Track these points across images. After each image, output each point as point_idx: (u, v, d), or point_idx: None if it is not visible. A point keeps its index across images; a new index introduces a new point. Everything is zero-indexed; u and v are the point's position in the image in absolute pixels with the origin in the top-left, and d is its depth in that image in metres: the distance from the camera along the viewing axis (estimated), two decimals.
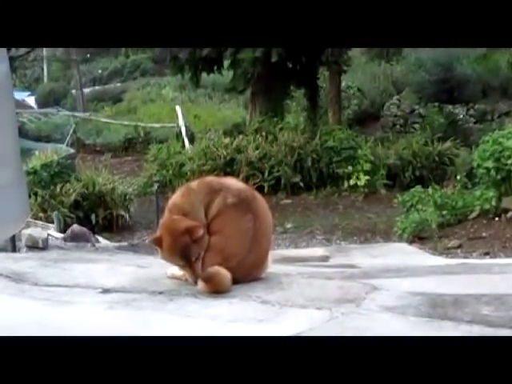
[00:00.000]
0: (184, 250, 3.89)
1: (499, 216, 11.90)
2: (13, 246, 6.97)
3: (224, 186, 4.28)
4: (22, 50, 29.50)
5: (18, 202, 3.10)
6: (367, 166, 15.40)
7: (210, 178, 4.67)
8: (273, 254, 5.03)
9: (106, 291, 4.19)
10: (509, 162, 12.46)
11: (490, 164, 12.65)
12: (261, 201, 4.35)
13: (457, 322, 3.41)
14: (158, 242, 4.01)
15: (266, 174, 15.35)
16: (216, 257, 3.99)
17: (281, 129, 16.73)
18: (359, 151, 15.83)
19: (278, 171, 15.47)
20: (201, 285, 3.97)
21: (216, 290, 3.93)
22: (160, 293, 4.12)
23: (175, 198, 4.25)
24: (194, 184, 4.35)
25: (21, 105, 27.76)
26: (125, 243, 10.68)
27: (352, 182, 15.31)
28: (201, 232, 3.89)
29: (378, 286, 4.11)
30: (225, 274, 3.93)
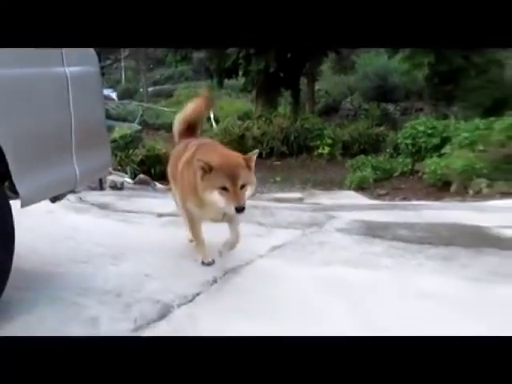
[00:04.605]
0: None
1: (413, 175, 11.89)
2: (100, 186, 6.97)
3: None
4: (108, 62, 29.13)
5: (104, 157, 3.10)
6: (329, 141, 15.31)
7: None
8: (267, 196, 5.04)
9: (160, 215, 4.21)
10: (420, 140, 12.42)
11: (408, 141, 12.61)
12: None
13: (383, 239, 3.44)
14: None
15: (265, 145, 15.24)
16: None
17: (275, 116, 16.58)
18: (324, 131, 15.70)
19: (272, 143, 15.40)
20: None
21: None
22: None
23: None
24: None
25: (106, 98, 27.56)
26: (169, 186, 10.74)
27: (319, 151, 15.22)
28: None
29: (334, 215, 4.13)
30: None
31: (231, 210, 2.46)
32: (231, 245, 2.87)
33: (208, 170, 2.53)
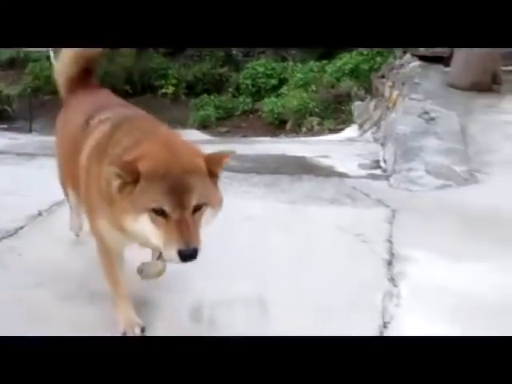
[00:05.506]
0: None
1: (253, 114, 12.24)
2: None
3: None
4: None
5: None
6: (174, 81, 15.10)
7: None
8: None
9: None
10: (260, 81, 12.76)
11: (249, 82, 12.90)
12: None
13: None
14: None
15: (107, 85, 14.62)
16: None
17: (117, 55, 15.91)
18: (169, 71, 15.43)
19: (115, 82, 14.75)
20: None
21: None
22: (24, 154, 3.89)
23: None
24: None
25: None
26: (5, 126, 10.04)
27: (164, 90, 14.97)
28: None
29: None
30: None
31: (171, 253, 1.36)
32: (159, 271, 1.77)
33: (131, 177, 1.36)
